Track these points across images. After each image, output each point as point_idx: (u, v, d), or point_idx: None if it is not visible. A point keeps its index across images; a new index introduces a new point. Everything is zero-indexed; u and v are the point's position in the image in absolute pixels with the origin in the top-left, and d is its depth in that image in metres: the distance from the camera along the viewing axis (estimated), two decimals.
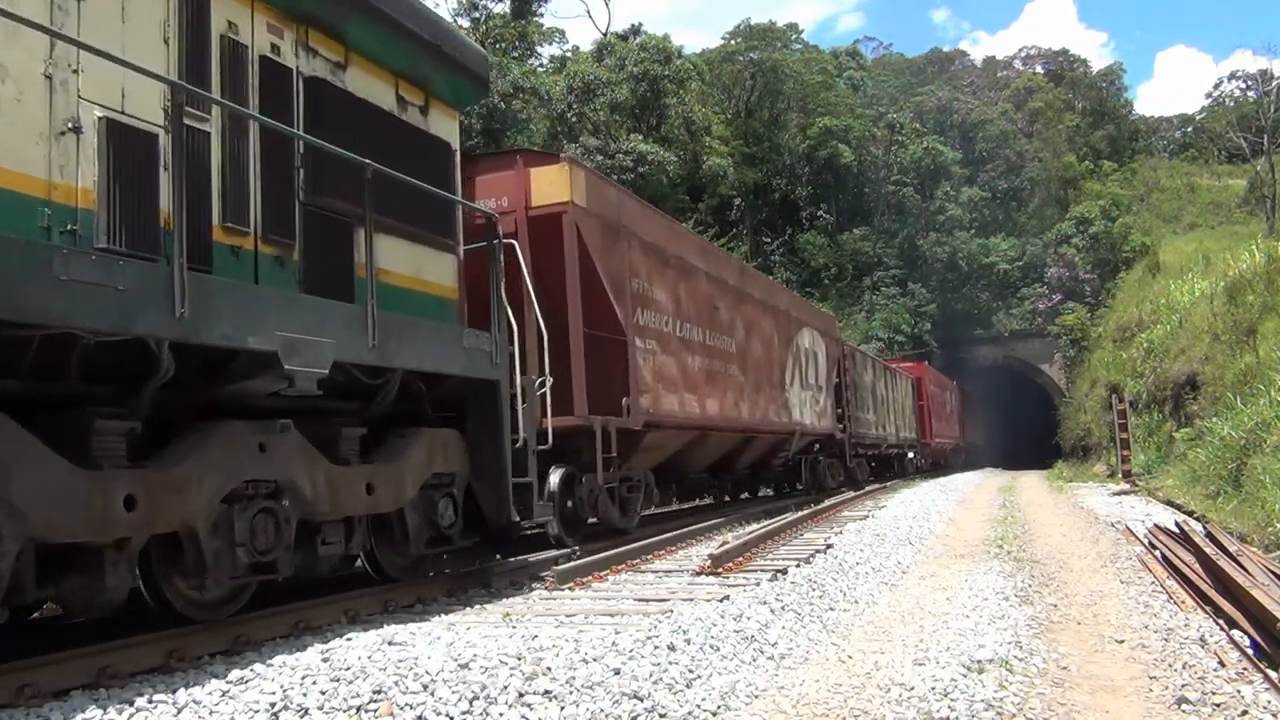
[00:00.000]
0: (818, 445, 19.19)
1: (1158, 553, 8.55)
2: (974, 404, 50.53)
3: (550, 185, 9.58)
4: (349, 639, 5.12)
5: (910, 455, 30.74)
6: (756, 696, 4.38)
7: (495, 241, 7.23)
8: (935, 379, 37.54)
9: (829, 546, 9.59)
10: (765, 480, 19.55)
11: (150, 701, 3.92)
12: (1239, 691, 4.24)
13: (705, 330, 12.90)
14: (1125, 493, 17.47)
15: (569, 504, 9.34)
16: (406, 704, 3.90)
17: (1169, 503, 14.08)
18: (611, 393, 9.93)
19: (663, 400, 11.17)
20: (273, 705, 3.88)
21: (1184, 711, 4.09)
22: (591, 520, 10.10)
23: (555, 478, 9.01)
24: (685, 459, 13.07)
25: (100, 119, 4.39)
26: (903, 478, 27.97)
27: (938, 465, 38.12)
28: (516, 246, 8.47)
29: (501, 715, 3.89)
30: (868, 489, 21.36)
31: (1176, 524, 9.81)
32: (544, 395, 8.23)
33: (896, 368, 30.97)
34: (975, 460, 46.32)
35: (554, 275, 9.35)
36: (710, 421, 12.80)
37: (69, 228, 4.25)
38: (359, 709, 3.87)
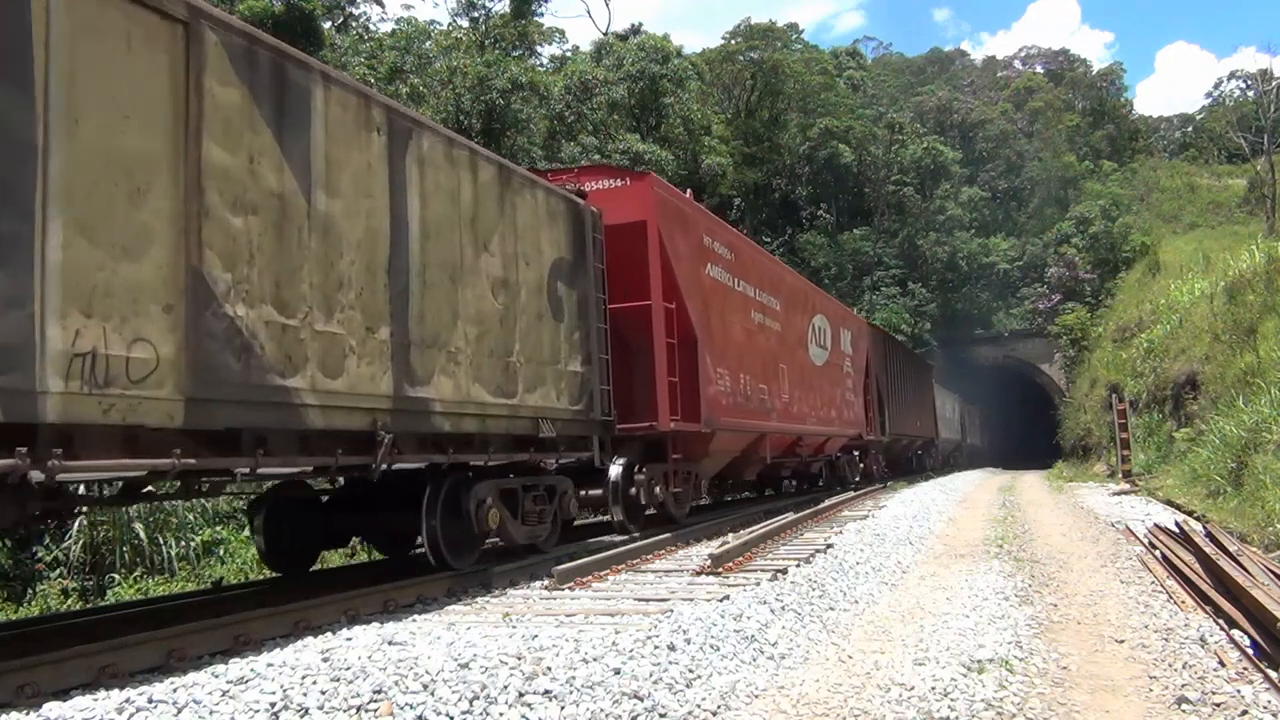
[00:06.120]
0: None
1: (1158, 552, 8.55)
2: (912, 375, 30.18)
3: None
4: (349, 639, 5.12)
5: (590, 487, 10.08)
6: (756, 696, 4.38)
7: None
8: (749, 258, 14.34)
9: (829, 546, 9.59)
10: None
11: (150, 701, 3.92)
12: (1239, 691, 4.23)
13: None
14: (1125, 492, 17.46)
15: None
16: (406, 704, 3.90)
17: (1169, 502, 14.07)
18: None
19: None
20: (273, 705, 3.88)
21: (1184, 711, 4.09)
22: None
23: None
24: None
25: None
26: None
27: (744, 494, 18.55)
28: None
29: (502, 715, 3.89)
30: (868, 489, 20.37)
31: (1176, 524, 9.80)
32: None
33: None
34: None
35: None
36: None
37: None
38: (359, 709, 3.87)
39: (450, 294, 7.07)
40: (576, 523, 12.03)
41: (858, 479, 21.63)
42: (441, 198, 7.05)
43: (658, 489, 10.64)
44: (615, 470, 10.03)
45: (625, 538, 9.53)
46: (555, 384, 8.47)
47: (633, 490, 10.15)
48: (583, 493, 9.77)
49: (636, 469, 10.30)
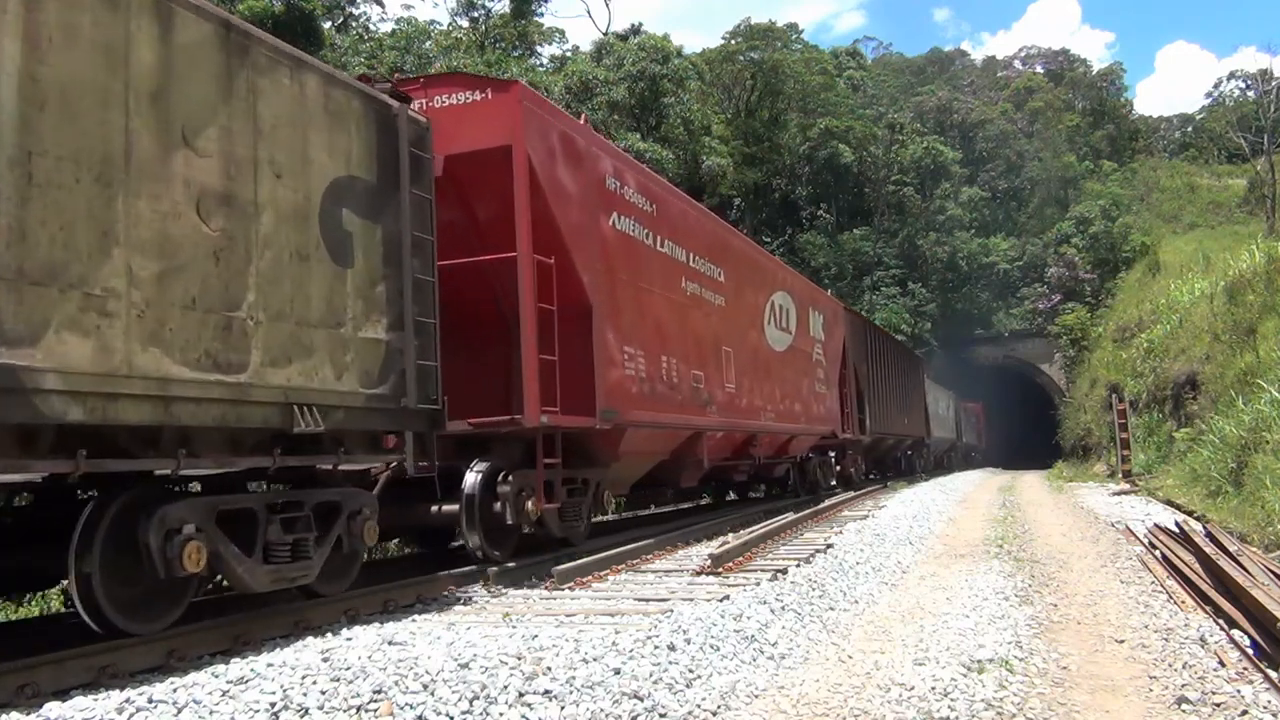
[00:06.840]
0: None
1: (1158, 552, 8.55)
2: (901, 369, 27.57)
3: None
4: (349, 639, 5.13)
5: None
6: (756, 696, 4.38)
7: None
8: (680, 214, 11.65)
9: (829, 546, 9.59)
10: None
11: (150, 701, 3.92)
12: (1239, 691, 4.24)
13: None
14: (1125, 492, 17.47)
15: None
16: (406, 704, 3.90)
17: (1169, 502, 14.07)
18: None
19: None
20: (273, 705, 3.88)
21: (1184, 711, 4.09)
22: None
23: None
24: None
25: None
26: None
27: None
28: None
29: (501, 715, 3.89)
30: (867, 489, 20.52)
31: (1176, 524, 9.81)
32: None
33: None
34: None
35: None
36: None
37: None
38: (359, 709, 3.87)
39: (99, 202, 4.44)
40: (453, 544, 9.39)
41: (833, 483, 19.11)
42: (83, 50, 4.43)
43: (529, 503, 8.02)
44: (472, 480, 7.67)
45: (496, 569, 7.52)
46: (334, 356, 5.82)
47: (498, 506, 7.77)
48: (435, 509, 7.69)
49: (502, 477, 7.86)
